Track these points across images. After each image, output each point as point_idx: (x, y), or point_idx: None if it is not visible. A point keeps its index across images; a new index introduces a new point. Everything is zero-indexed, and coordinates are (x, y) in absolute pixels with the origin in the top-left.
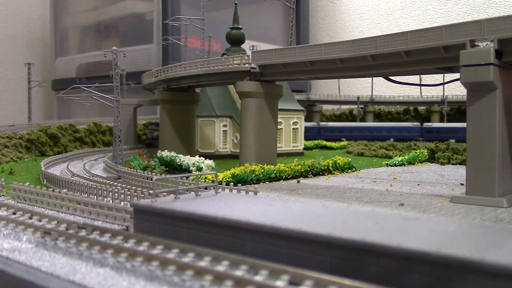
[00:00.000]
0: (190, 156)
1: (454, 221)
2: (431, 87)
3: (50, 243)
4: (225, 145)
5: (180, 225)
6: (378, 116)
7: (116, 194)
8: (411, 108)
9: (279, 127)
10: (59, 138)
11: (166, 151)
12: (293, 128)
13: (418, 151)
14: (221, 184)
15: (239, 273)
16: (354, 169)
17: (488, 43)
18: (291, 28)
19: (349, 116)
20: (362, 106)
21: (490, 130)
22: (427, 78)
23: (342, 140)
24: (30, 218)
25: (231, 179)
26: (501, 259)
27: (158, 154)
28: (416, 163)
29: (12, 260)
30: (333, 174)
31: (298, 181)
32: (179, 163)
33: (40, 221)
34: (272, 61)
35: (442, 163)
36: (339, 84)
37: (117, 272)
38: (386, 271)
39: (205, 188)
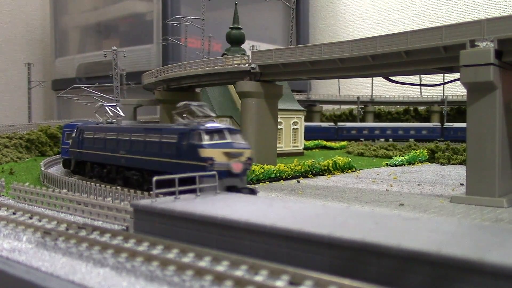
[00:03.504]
0: None
1: (454, 221)
2: (431, 87)
3: (50, 243)
4: None
5: (180, 225)
6: (378, 116)
7: (116, 194)
8: (411, 108)
9: (279, 127)
10: (59, 138)
11: None
12: (293, 128)
13: (418, 151)
14: None
15: (239, 273)
16: (354, 169)
17: (488, 43)
18: (291, 28)
19: (349, 116)
20: (362, 106)
21: (490, 130)
22: (427, 78)
23: (361, 141)
24: (30, 218)
25: None
26: (501, 259)
27: None
28: (416, 163)
29: (12, 260)
30: (333, 174)
31: (298, 181)
32: None
33: (40, 221)
34: (272, 61)
35: (442, 163)
36: (339, 84)
37: (117, 272)
38: (386, 271)
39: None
